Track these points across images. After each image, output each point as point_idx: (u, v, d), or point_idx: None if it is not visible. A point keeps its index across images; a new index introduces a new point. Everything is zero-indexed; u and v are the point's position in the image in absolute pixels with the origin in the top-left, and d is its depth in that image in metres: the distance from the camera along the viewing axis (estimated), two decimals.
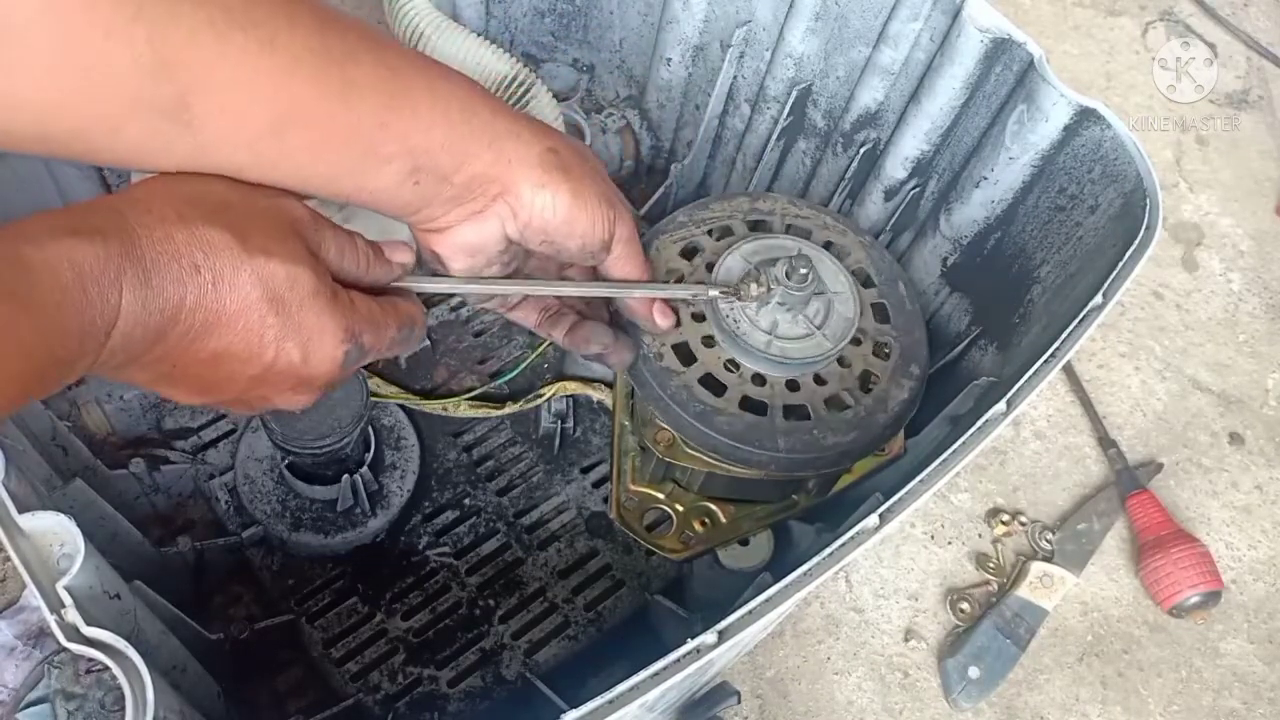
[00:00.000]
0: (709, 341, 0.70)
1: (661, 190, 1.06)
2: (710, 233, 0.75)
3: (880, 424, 0.69)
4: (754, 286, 0.67)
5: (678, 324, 0.67)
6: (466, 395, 0.94)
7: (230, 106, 0.43)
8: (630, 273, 0.61)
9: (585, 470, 0.94)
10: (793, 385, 0.70)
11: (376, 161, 0.48)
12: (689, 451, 0.72)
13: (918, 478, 0.56)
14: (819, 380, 0.70)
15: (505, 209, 0.54)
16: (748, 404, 0.68)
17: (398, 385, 0.93)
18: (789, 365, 0.69)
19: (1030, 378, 0.60)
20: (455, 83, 0.52)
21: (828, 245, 0.75)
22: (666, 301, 0.66)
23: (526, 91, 0.94)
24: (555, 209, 0.54)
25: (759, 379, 0.69)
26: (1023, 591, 1.06)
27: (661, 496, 0.79)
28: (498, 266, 0.58)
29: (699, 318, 0.71)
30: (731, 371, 0.70)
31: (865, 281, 0.74)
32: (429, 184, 0.51)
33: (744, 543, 0.79)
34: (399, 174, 0.50)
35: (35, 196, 0.83)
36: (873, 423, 0.69)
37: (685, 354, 0.70)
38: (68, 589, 0.51)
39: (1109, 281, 0.62)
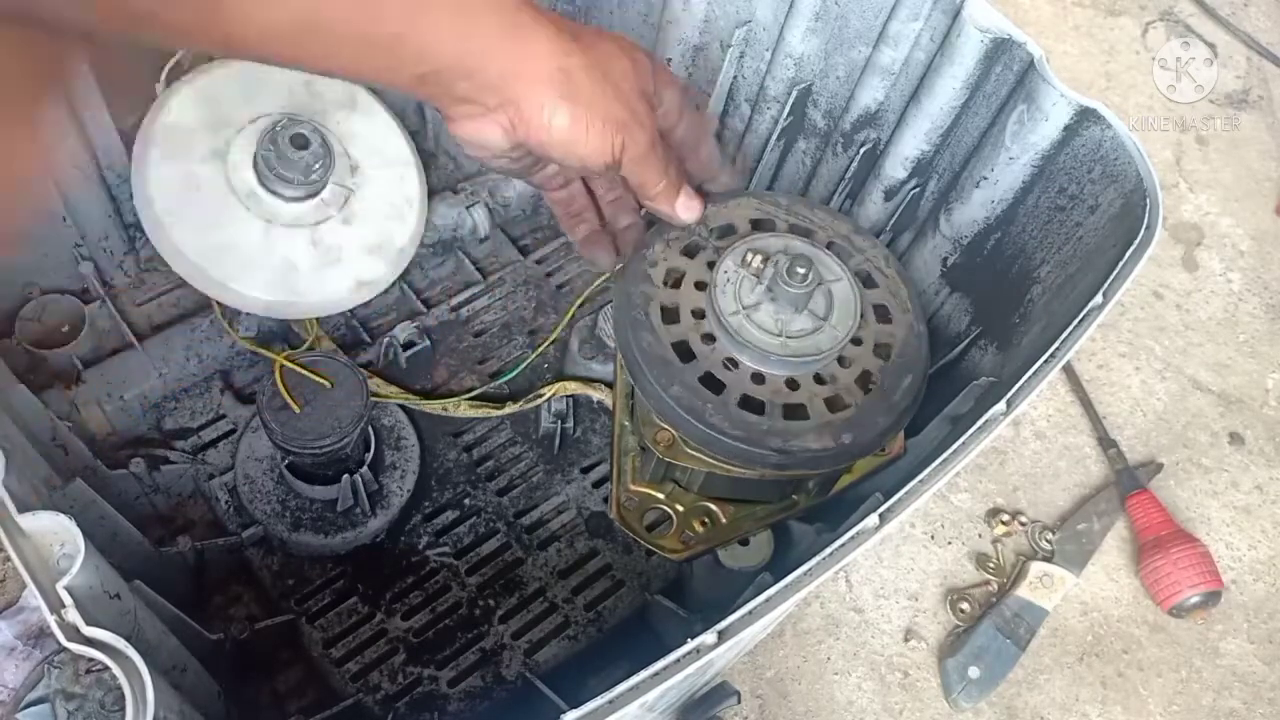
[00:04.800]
0: (708, 339, 0.70)
1: None
2: (712, 231, 0.75)
3: (880, 423, 0.69)
4: (755, 284, 0.67)
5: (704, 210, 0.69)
6: (466, 395, 0.94)
7: (253, 7, 0.45)
8: (644, 188, 0.62)
9: (585, 470, 0.94)
10: (792, 384, 0.70)
11: (388, 68, 0.51)
12: (689, 451, 0.72)
13: (918, 478, 0.56)
14: (819, 379, 0.70)
15: (505, 119, 0.54)
16: (747, 403, 0.68)
17: (398, 385, 0.93)
18: (789, 364, 0.69)
19: (1030, 378, 0.60)
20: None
21: (829, 245, 0.75)
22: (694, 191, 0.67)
23: None
24: (552, 130, 0.54)
25: (758, 378, 0.69)
26: (1023, 591, 1.06)
27: (661, 496, 0.79)
28: (506, 161, 0.59)
29: (698, 314, 0.71)
30: (731, 370, 0.70)
31: (867, 281, 0.74)
32: (436, 87, 0.52)
33: (744, 543, 0.79)
34: (408, 79, 0.52)
35: (35, 199, 0.83)
36: (873, 422, 0.69)
37: (685, 352, 0.70)
38: (68, 589, 0.51)
39: (1109, 281, 0.62)
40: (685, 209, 0.65)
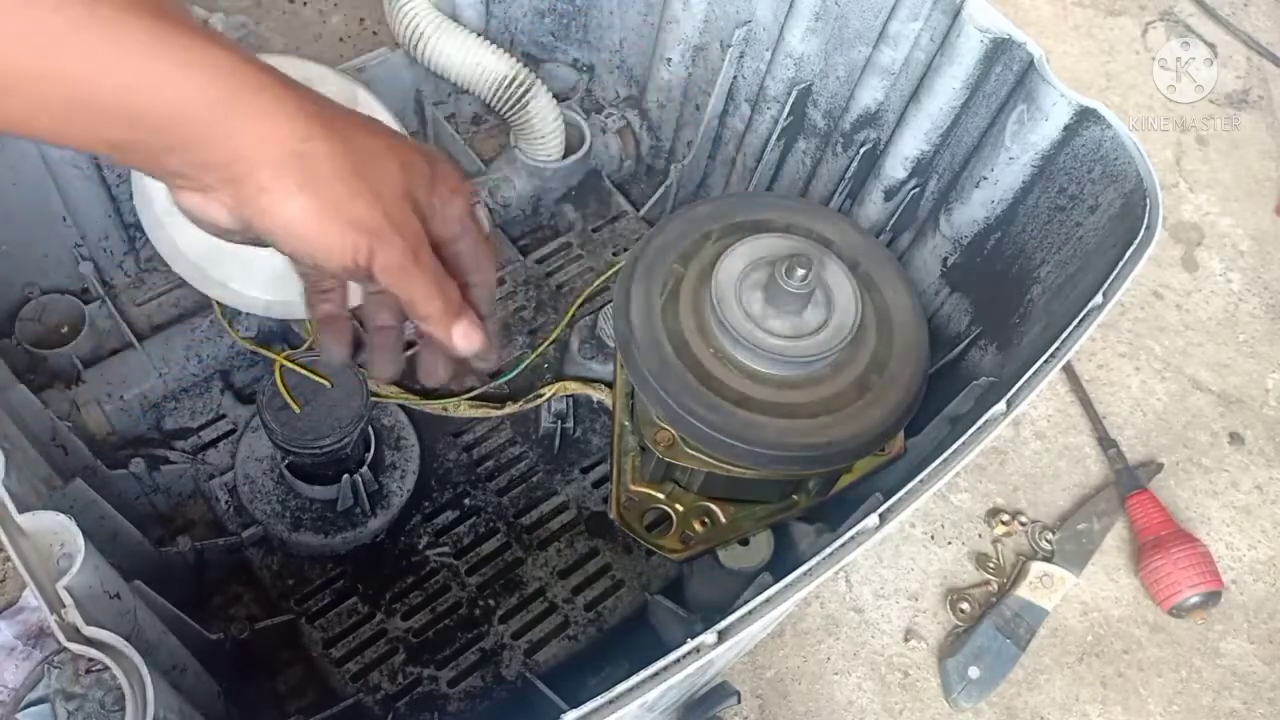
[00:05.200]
0: (709, 339, 0.70)
1: (661, 190, 1.06)
2: (712, 231, 0.75)
3: (879, 423, 0.69)
4: (755, 283, 0.67)
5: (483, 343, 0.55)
6: (466, 395, 0.94)
7: None
8: (410, 306, 0.51)
9: (585, 470, 0.94)
10: (793, 384, 0.70)
11: (64, 130, 0.42)
12: (689, 451, 0.72)
13: (918, 478, 0.56)
14: (819, 379, 0.70)
15: (229, 200, 0.45)
16: (742, 400, 0.68)
17: (398, 385, 0.93)
18: (789, 364, 0.69)
19: (1030, 378, 0.60)
20: (215, 51, 0.43)
21: (831, 246, 0.75)
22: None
23: (526, 91, 0.94)
24: (281, 222, 0.45)
25: (759, 377, 0.69)
26: (1023, 591, 1.06)
27: (661, 496, 0.79)
28: (241, 238, 0.49)
29: (699, 312, 0.71)
30: (728, 367, 0.70)
31: (867, 283, 0.74)
32: (138, 156, 0.44)
33: (744, 543, 0.79)
34: (97, 143, 0.43)
35: (35, 196, 0.83)
36: (872, 422, 0.69)
37: (682, 347, 0.70)
38: (68, 589, 0.51)
39: (1109, 281, 0.62)
40: (462, 338, 0.52)
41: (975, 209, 0.82)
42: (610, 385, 0.92)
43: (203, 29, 0.43)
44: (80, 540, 0.52)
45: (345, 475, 0.83)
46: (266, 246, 0.48)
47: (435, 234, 0.52)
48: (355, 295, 0.57)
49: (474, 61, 0.92)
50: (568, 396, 0.92)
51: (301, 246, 0.46)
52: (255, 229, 0.46)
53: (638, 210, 1.08)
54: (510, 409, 0.93)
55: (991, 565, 1.09)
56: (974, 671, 1.01)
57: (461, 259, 0.54)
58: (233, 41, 0.44)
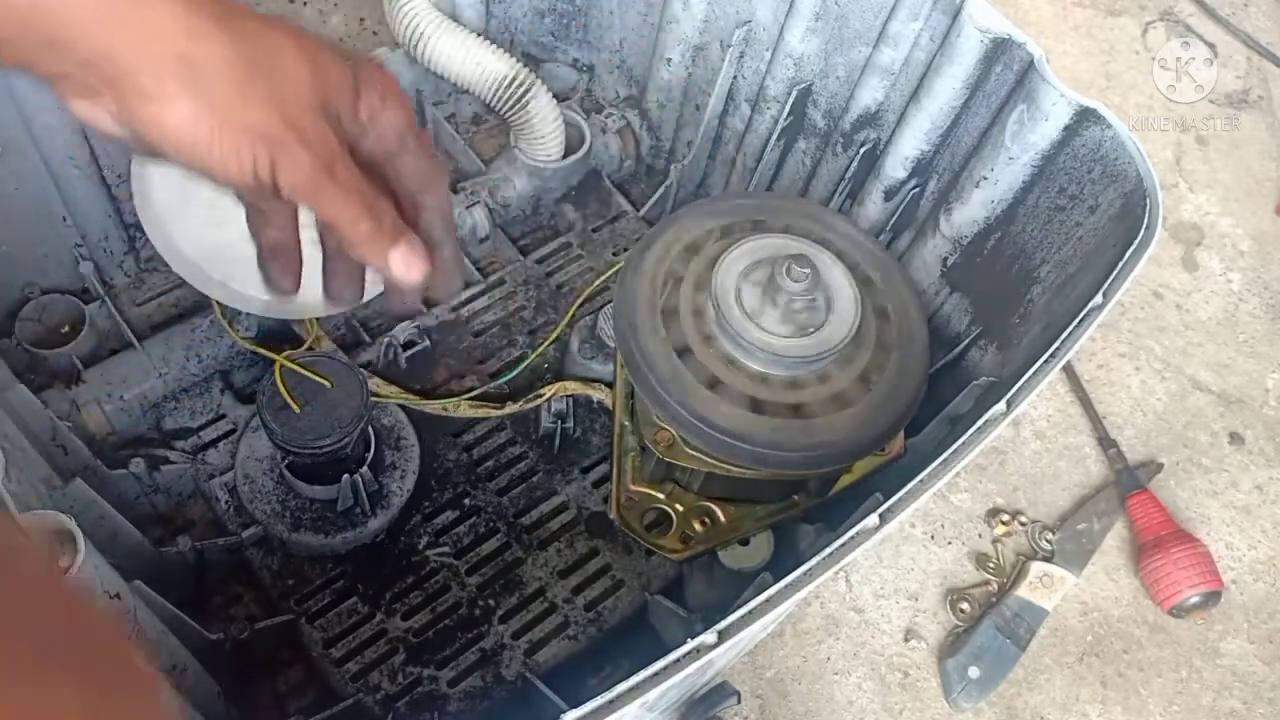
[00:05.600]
0: (709, 339, 0.70)
1: (661, 190, 1.06)
2: (713, 230, 0.75)
3: (880, 424, 0.69)
4: (755, 282, 0.67)
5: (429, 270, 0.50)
6: (466, 395, 0.94)
7: None
8: (336, 228, 0.46)
9: (585, 470, 0.94)
10: (793, 384, 0.70)
11: None
12: (689, 451, 0.72)
13: (918, 478, 0.56)
14: (820, 379, 0.70)
15: (111, 105, 0.40)
16: (747, 402, 0.68)
17: (398, 385, 0.93)
18: (789, 364, 0.69)
19: (1030, 378, 0.60)
20: None
21: (831, 247, 0.75)
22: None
23: (526, 91, 0.94)
24: (164, 129, 0.40)
25: (759, 377, 0.69)
26: (1023, 591, 1.06)
27: (661, 496, 0.79)
28: (142, 149, 0.43)
29: (699, 311, 0.71)
30: (728, 367, 0.70)
31: (867, 282, 0.74)
32: (10, 57, 0.39)
33: (744, 543, 0.79)
34: None
35: (35, 196, 0.83)
36: (873, 422, 0.69)
37: (683, 347, 0.70)
38: None
39: (1109, 281, 0.62)
40: (400, 264, 0.46)
41: (975, 209, 0.82)
42: (610, 385, 0.92)
43: None
44: (80, 540, 0.52)
45: (345, 475, 0.83)
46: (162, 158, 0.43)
47: (368, 151, 0.46)
48: (374, 284, 0.53)
49: (474, 61, 0.92)
50: (568, 396, 0.92)
51: (192, 159, 0.41)
52: (143, 140, 0.41)
53: (638, 210, 1.08)
54: (510, 409, 0.93)
55: (991, 565, 1.09)
56: (974, 671, 1.01)
57: (404, 177, 0.48)
58: None
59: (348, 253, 0.48)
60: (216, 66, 0.40)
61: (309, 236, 0.86)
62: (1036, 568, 1.07)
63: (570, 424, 0.93)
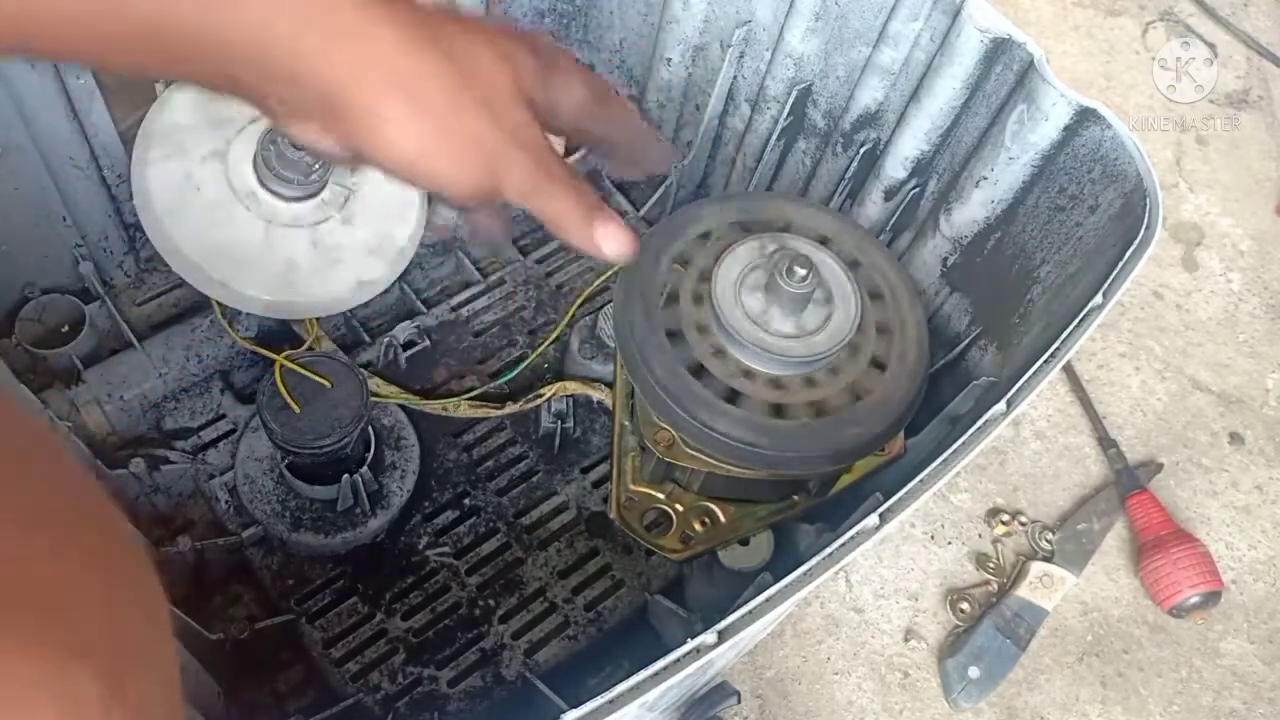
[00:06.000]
0: (705, 333, 0.70)
1: (661, 190, 1.06)
2: (715, 229, 0.76)
3: (874, 428, 0.69)
4: (755, 282, 0.68)
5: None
6: (466, 395, 0.94)
7: None
8: (551, 223, 0.49)
9: (585, 470, 0.94)
10: (787, 383, 0.70)
11: (156, 60, 0.39)
12: (689, 451, 0.72)
13: (918, 478, 0.56)
14: (813, 381, 0.70)
15: (335, 130, 0.42)
16: (738, 399, 0.68)
17: (398, 385, 0.93)
18: (784, 363, 0.69)
19: (1030, 378, 0.60)
20: None
21: (837, 250, 0.75)
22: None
23: None
24: (396, 154, 0.42)
25: (752, 375, 0.69)
26: (1023, 591, 1.06)
27: (661, 496, 0.79)
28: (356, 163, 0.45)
29: (698, 301, 0.71)
30: (726, 366, 0.70)
31: (872, 289, 0.74)
32: (241, 89, 0.40)
33: (744, 543, 0.79)
34: (200, 74, 0.39)
35: (35, 196, 0.83)
36: (866, 427, 0.69)
37: (681, 345, 0.70)
38: None
39: (1109, 281, 0.62)
40: (606, 242, 0.49)
41: (975, 209, 0.82)
42: (610, 385, 0.92)
43: None
44: None
45: (345, 475, 0.83)
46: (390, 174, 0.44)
47: (564, 125, 0.48)
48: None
49: None
50: (568, 396, 0.93)
51: (420, 176, 0.43)
52: (370, 162, 0.43)
53: (638, 210, 1.08)
54: (510, 409, 0.93)
55: (991, 565, 1.09)
56: (974, 671, 1.01)
57: (604, 134, 0.51)
58: None
59: (551, 230, 0.50)
60: (432, 83, 0.41)
61: (308, 237, 0.86)
62: (1036, 568, 1.07)
63: (570, 424, 0.93)
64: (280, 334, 0.92)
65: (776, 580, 0.52)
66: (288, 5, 0.38)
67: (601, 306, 0.96)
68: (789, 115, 0.93)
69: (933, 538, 1.11)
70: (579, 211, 0.48)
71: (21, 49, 0.37)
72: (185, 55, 0.38)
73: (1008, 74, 0.75)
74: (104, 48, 0.37)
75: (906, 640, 1.04)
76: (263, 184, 0.83)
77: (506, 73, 0.44)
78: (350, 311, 0.92)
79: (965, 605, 1.06)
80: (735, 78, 0.96)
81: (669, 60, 1.00)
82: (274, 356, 0.80)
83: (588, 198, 0.48)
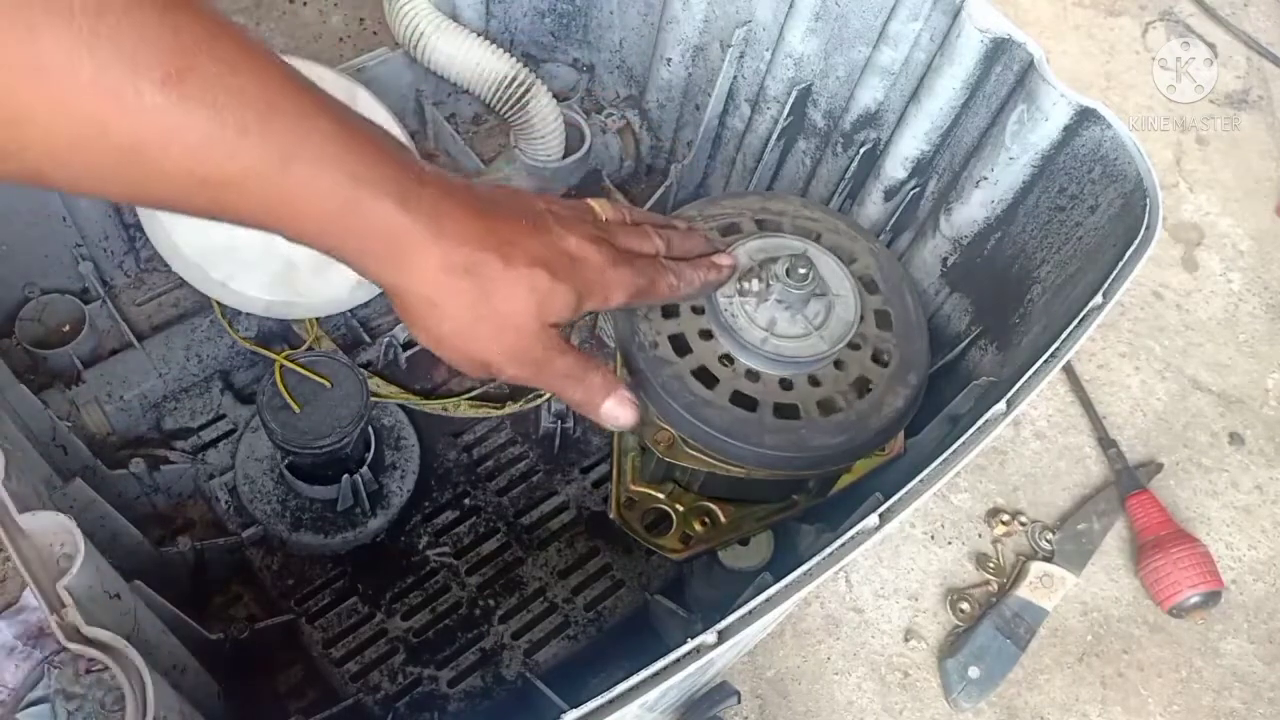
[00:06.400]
0: (706, 335, 0.70)
1: (661, 190, 1.06)
2: (716, 229, 0.75)
3: (871, 430, 0.69)
4: (755, 282, 0.67)
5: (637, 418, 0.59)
6: (466, 395, 0.94)
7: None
8: (558, 396, 0.56)
9: (585, 470, 0.94)
10: (786, 384, 0.70)
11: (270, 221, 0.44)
12: (689, 451, 0.72)
13: (918, 478, 0.56)
14: (813, 381, 0.70)
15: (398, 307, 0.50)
16: (738, 399, 0.68)
17: (398, 385, 0.93)
18: (783, 363, 0.69)
19: (1030, 378, 0.60)
20: (350, 140, 0.44)
21: (834, 248, 0.75)
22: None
23: (526, 91, 0.94)
24: (417, 335, 0.50)
25: (752, 375, 0.69)
26: (1023, 591, 1.06)
27: (661, 496, 0.79)
28: None
29: (698, 310, 0.71)
30: (726, 366, 0.70)
31: (870, 287, 0.74)
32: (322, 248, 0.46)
33: (744, 543, 0.79)
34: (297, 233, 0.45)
35: (35, 196, 0.83)
36: (864, 428, 0.69)
37: (681, 345, 0.70)
38: (68, 589, 0.51)
39: (1109, 281, 0.62)
40: (610, 417, 0.57)
41: (975, 209, 0.81)
42: None
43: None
44: (80, 540, 0.52)
45: (345, 475, 0.83)
46: None
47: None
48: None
49: (474, 61, 0.92)
50: None
51: (442, 358, 0.51)
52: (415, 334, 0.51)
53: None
54: (510, 409, 0.93)
55: (991, 565, 1.09)
56: (974, 671, 1.01)
57: (652, 300, 0.61)
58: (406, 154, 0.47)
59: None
60: (453, 311, 0.48)
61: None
62: (1036, 568, 1.07)
63: (570, 424, 0.93)
64: (280, 334, 0.92)
65: (776, 580, 0.52)
66: (357, 233, 0.45)
67: None
68: (789, 115, 0.93)
69: (933, 538, 1.11)
70: (579, 394, 0.56)
71: (104, 194, 0.41)
72: (261, 220, 0.43)
73: (1008, 74, 0.75)
74: (182, 196, 0.41)
75: (906, 640, 1.04)
76: None
77: (532, 310, 0.51)
78: (350, 311, 0.92)
79: (965, 605, 1.06)
80: (735, 78, 0.96)
81: (669, 60, 1.00)
82: (274, 356, 0.80)
83: (590, 380, 0.56)
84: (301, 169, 0.41)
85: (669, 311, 0.71)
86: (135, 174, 0.39)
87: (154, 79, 0.36)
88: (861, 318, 0.70)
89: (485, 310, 0.49)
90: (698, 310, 0.71)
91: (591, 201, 0.58)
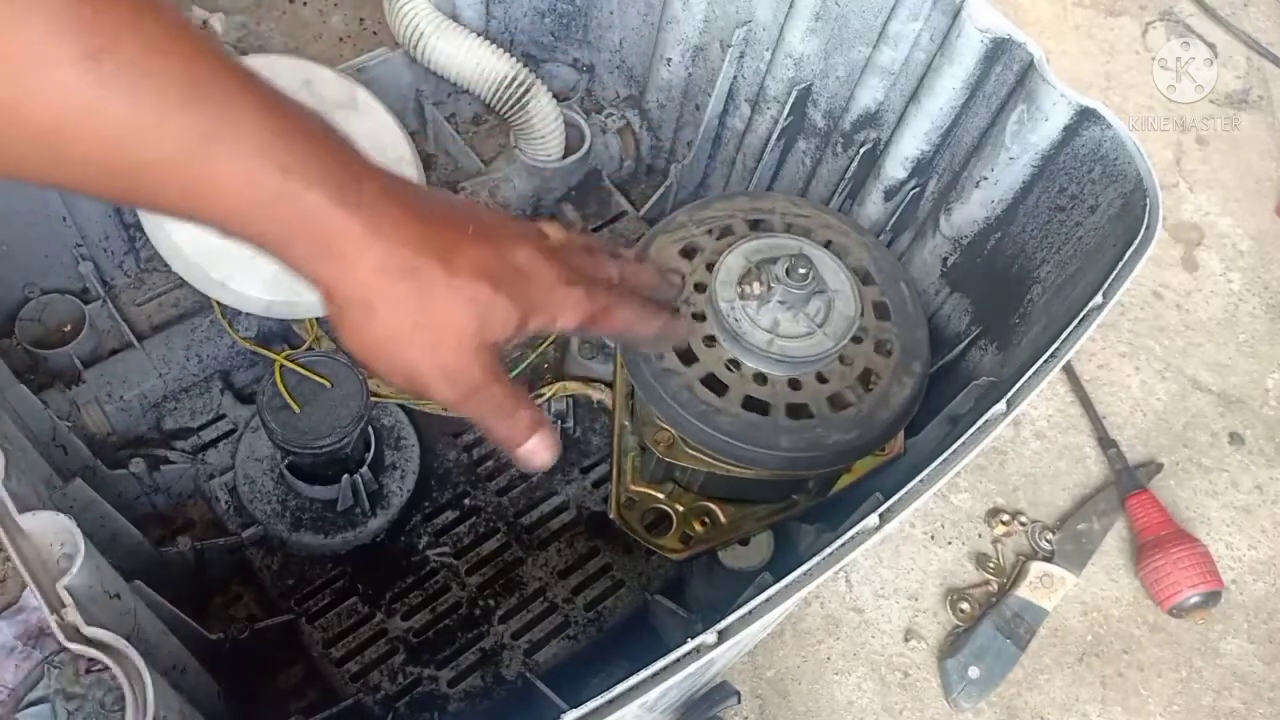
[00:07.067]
0: (710, 341, 0.70)
1: (661, 190, 1.06)
2: (710, 232, 0.75)
3: (883, 421, 0.69)
4: (755, 285, 0.67)
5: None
6: None
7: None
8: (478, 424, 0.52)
9: (585, 470, 0.94)
10: (795, 384, 0.70)
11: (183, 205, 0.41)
12: (689, 451, 0.72)
13: (918, 478, 0.56)
14: (821, 378, 0.70)
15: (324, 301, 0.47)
16: (750, 403, 0.68)
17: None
18: (791, 364, 0.69)
19: (1030, 378, 0.60)
20: (281, 121, 0.41)
21: (828, 244, 0.75)
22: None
23: (526, 91, 0.94)
24: (342, 341, 0.47)
25: (761, 378, 0.69)
26: (1023, 591, 1.06)
27: (661, 496, 0.79)
28: None
29: (700, 317, 0.71)
30: (733, 371, 0.70)
31: (866, 279, 0.74)
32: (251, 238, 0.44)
33: (744, 543, 0.79)
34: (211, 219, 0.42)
35: (35, 196, 0.83)
36: (875, 420, 0.69)
37: (686, 354, 0.70)
38: (68, 589, 0.51)
39: (1109, 281, 0.62)
40: (527, 455, 0.52)
41: (975, 209, 0.82)
42: (610, 385, 0.92)
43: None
44: (80, 540, 0.52)
45: (345, 475, 0.83)
46: None
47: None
48: None
49: (474, 61, 0.92)
50: (568, 396, 0.92)
51: (367, 366, 0.48)
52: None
53: (638, 210, 1.08)
54: None
55: (991, 565, 1.09)
56: (974, 671, 1.01)
57: (601, 332, 0.55)
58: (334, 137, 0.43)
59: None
60: (388, 316, 0.45)
61: None
62: (1036, 568, 1.07)
63: (570, 424, 0.93)
64: (280, 334, 0.92)
65: (776, 580, 0.52)
66: (285, 225, 0.43)
67: None
68: (789, 115, 0.93)
69: (933, 538, 1.11)
70: (503, 429, 0.51)
71: (19, 177, 0.39)
72: (185, 209, 0.41)
73: (1008, 74, 0.75)
74: (99, 181, 0.39)
75: (906, 640, 1.04)
76: None
77: (472, 326, 0.47)
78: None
79: (965, 605, 1.06)
80: (735, 78, 0.96)
81: (669, 60, 1.00)
82: (274, 356, 0.80)
83: (516, 416, 0.51)
84: (224, 156, 0.39)
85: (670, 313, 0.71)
86: (50, 157, 0.37)
87: (68, 60, 0.35)
88: (861, 311, 0.71)
89: (423, 319, 0.46)
90: (699, 317, 0.71)
91: (541, 223, 0.55)
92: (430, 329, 0.46)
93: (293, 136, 0.41)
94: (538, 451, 0.52)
